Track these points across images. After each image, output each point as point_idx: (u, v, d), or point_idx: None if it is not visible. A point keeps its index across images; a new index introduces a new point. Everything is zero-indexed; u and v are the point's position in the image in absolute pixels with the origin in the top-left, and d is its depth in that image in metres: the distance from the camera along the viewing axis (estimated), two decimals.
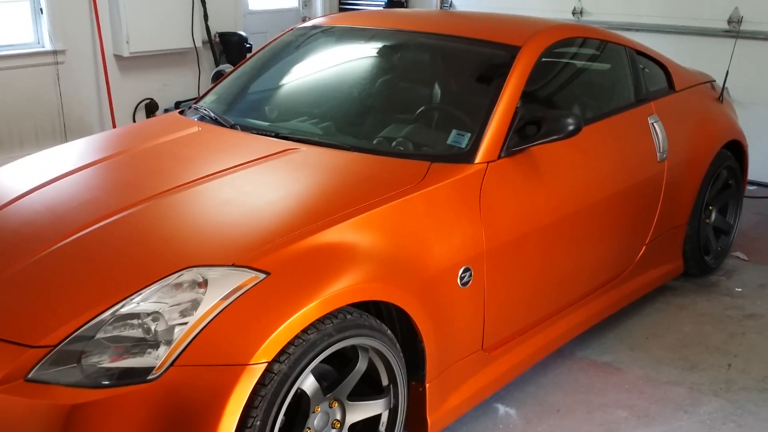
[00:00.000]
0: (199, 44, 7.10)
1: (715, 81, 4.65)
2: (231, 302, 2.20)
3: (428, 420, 2.70)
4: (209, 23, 7.20)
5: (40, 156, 3.35)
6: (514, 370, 3.10)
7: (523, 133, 3.02)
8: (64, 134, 6.46)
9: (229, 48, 7.31)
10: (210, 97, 3.75)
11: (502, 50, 3.30)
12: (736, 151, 4.43)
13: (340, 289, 2.34)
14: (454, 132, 3.06)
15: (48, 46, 6.29)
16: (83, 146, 3.42)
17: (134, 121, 6.90)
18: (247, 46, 7.28)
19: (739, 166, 4.47)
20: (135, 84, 6.89)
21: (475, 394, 2.91)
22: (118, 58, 6.69)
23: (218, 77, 4.01)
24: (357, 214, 2.57)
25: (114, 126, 6.65)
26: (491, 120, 3.02)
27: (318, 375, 2.36)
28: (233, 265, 2.30)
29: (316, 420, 2.40)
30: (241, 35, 7.35)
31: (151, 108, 6.99)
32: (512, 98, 3.10)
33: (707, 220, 4.31)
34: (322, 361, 2.33)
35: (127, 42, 6.58)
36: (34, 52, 6.24)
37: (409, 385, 2.66)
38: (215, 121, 3.45)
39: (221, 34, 7.31)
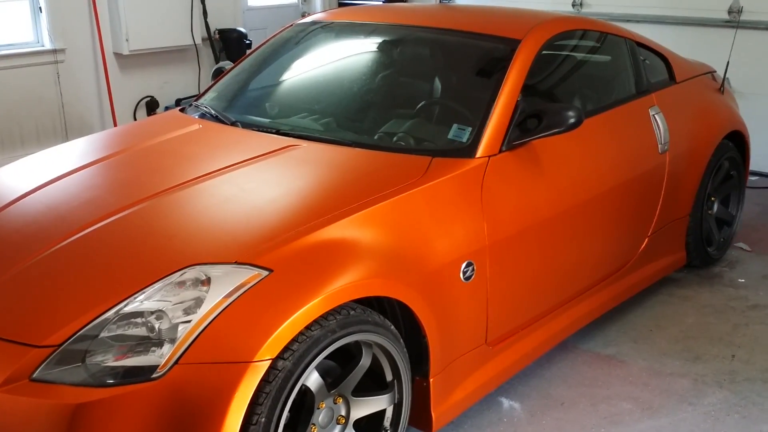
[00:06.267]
0: (198, 41, 7.09)
1: (716, 72, 4.64)
2: (234, 300, 2.20)
3: (432, 415, 2.71)
4: (208, 20, 7.19)
5: (40, 156, 3.35)
6: (517, 363, 3.10)
7: (524, 126, 3.02)
8: (65, 133, 6.46)
9: (229, 44, 7.30)
10: (210, 95, 3.75)
11: (502, 44, 3.29)
12: (737, 141, 4.43)
13: (343, 286, 2.34)
14: (455, 126, 3.06)
15: (48, 45, 6.28)
16: (84, 145, 3.42)
17: (135, 119, 6.90)
18: (247, 42, 7.27)
19: (740, 156, 4.47)
20: (135, 82, 6.88)
21: (479, 388, 2.91)
22: (118, 56, 6.69)
23: (218, 74, 4.01)
24: (359, 210, 2.57)
25: (115, 124, 6.65)
26: (492, 114, 3.01)
27: (322, 371, 2.37)
28: (236, 263, 2.30)
29: (320, 416, 2.40)
30: (240, 32, 7.34)
31: (151, 106, 6.99)
32: (513, 92, 3.09)
33: (709, 212, 4.30)
34: (326, 358, 2.33)
35: (127, 40, 6.58)
36: (33, 51, 6.23)
37: (413, 380, 2.66)
38: (216, 119, 3.44)
39: (221, 31, 7.30)
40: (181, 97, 7.03)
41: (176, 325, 2.17)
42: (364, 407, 2.52)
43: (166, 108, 6.88)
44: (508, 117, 3.03)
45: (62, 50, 6.33)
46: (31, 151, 3.55)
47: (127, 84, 6.82)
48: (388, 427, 2.60)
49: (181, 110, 3.71)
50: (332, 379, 2.43)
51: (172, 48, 6.97)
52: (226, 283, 2.24)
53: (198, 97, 3.80)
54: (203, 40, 7.20)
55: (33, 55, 6.22)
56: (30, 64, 6.19)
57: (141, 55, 6.77)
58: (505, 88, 3.09)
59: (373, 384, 2.56)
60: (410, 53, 3.69)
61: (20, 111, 6.19)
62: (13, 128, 6.18)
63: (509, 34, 3.33)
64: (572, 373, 3.37)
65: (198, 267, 2.29)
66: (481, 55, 3.40)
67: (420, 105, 3.33)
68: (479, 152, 2.93)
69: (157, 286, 2.26)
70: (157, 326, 2.18)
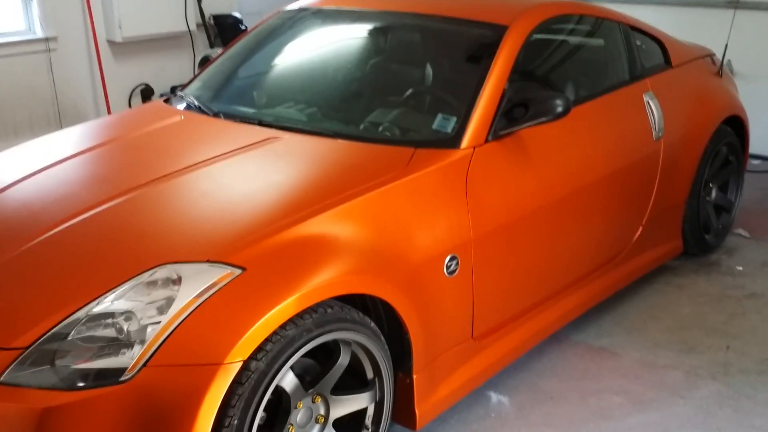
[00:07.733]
0: (193, 27, 7.00)
1: (714, 54, 4.54)
2: (205, 299, 2.14)
3: (416, 411, 2.65)
4: (203, 5, 7.09)
5: (14, 151, 3.26)
6: (505, 358, 3.04)
7: (511, 115, 2.94)
8: (59, 122, 6.40)
9: (224, 30, 7.20)
10: (195, 84, 3.68)
11: (489, 30, 3.21)
12: (736, 126, 4.33)
13: (320, 283, 2.28)
14: (439, 116, 2.99)
15: (39, 34, 6.21)
16: (62, 139, 3.35)
17: (130, 107, 6.84)
18: (243, 27, 7.18)
19: (739, 141, 4.37)
20: (130, 70, 6.81)
21: (466, 384, 2.86)
22: (111, 43, 6.61)
23: (205, 63, 3.94)
24: (338, 204, 2.50)
25: (109, 113, 6.58)
26: (477, 103, 2.94)
27: (301, 369, 2.32)
28: (208, 261, 2.24)
29: (298, 416, 2.35)
30: (235, 17, 7.25)
31: (146, 94, 6.92)
32: (499, 80, 3.01)
33: (707, 198, 4.22)
34: (305, 355, 2.28)
35: (120, 27, 6.50)
36: (25, 40, 6.16)
37: (396, 376, 2.61)
38: (199, 109, 3.38)
39: (215, 17, 7.21)
40: (177, 84, 6.96)
41: (145, 326, 2.11)
42: (344, 406, 2.47)
43: (161, 96, 6.81)
44: (495, 106, 2.95)
45: (54, 38, 6.26)
46: (24, 140, 3.50)
47: (121, 72, 6.75)
48: (370, 426, 2.55)
49: (166, 101, 3.64)
50: (311, 377, 2.37)
51: (166, 35, 6.88)
52: (197, 282, 2.18)
53: (183, 87, 3.73)
54: (198, 26, 7.10)
55: (25, 44, 6.15)
56: (22, 52, 6.13)
57: (135, 42, 6.68)
58: (492, 76, 3.01)
59: (355, 381, 2.51)
60: (397, 40, 3.61)
61: (13, 101, 6.13)
62: (5, 118, 6.13)
63: (496, 19, 3.24)
64: (563, 365, 3.31)
65: (169, 266, 2.24)
66: (467, 41, 3.32)
67: (405, 94, 3.25)
68: (464, 143, 2.86)
69: (127, 285, 2.20)
70: (125, 327, 2.12)
